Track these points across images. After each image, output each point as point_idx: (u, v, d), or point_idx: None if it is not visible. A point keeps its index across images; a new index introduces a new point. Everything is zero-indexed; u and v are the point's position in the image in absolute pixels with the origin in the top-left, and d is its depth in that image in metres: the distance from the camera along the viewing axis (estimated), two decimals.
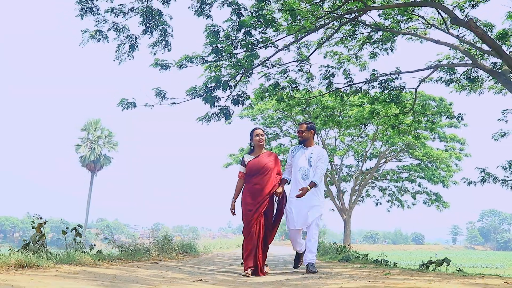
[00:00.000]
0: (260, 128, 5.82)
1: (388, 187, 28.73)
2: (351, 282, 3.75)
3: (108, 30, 7.64)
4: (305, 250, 5.67)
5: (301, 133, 5.85)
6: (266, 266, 5.71)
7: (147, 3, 7.28)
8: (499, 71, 9.43)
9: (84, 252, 4.80)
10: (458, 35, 10.99)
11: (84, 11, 7.20)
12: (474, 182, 12.52)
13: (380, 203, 28.51)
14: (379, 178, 28.40)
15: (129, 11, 7.39)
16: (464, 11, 11.69)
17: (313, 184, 5.40)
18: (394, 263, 7.69)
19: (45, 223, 4.52)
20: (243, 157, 5.83)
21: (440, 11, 9.63)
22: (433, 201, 27.08)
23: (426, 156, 24.49)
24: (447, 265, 5.43)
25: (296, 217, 5.53)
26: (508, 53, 7.86)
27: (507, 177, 11.52)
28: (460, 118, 13.34)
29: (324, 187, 5.04)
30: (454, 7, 11.60)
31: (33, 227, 4.57)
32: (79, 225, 5.17)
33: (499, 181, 11.78)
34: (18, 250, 4.03)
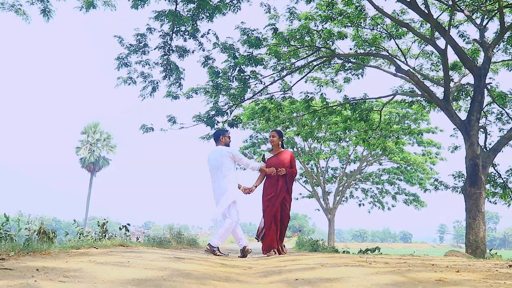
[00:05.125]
0: (273, 131, 6.57)
1: (371, 189, 31.05)
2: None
3: (137, 77, 10.02)
4: (243, 245, 5.93)
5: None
6: (284, 247, 6.46)
7: (167, 57, 9.63)
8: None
9: (131, 241, 7.04)
10: (414, 67, 13.40)
11: (120, 65, 9.59)
12: (429, 189, 14.80)
13: (363, 204, 30.82)
14: (362, 180, 30.66)
15: (154, 64, 9.81)
16: (420, 46, 14.19)
17: None
18: (353, 253, 9.90)
19: (106, 222, 6.77)
20: (264, 155, 6.54)
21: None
22: (411, 201, 29.50)
23: (404, 160, 26.69)
24: (379, 252, 7.79)
25: None
26: (437, 96, 10.22)
27: (456, 184, 13.80)
28: (420, 135, 15.72)
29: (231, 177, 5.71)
30: (413, 42, 14.08)
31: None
32: (128, 224, 7.40)
33: (449, 187, 14.08)
34: (109, 238, 6.24)
